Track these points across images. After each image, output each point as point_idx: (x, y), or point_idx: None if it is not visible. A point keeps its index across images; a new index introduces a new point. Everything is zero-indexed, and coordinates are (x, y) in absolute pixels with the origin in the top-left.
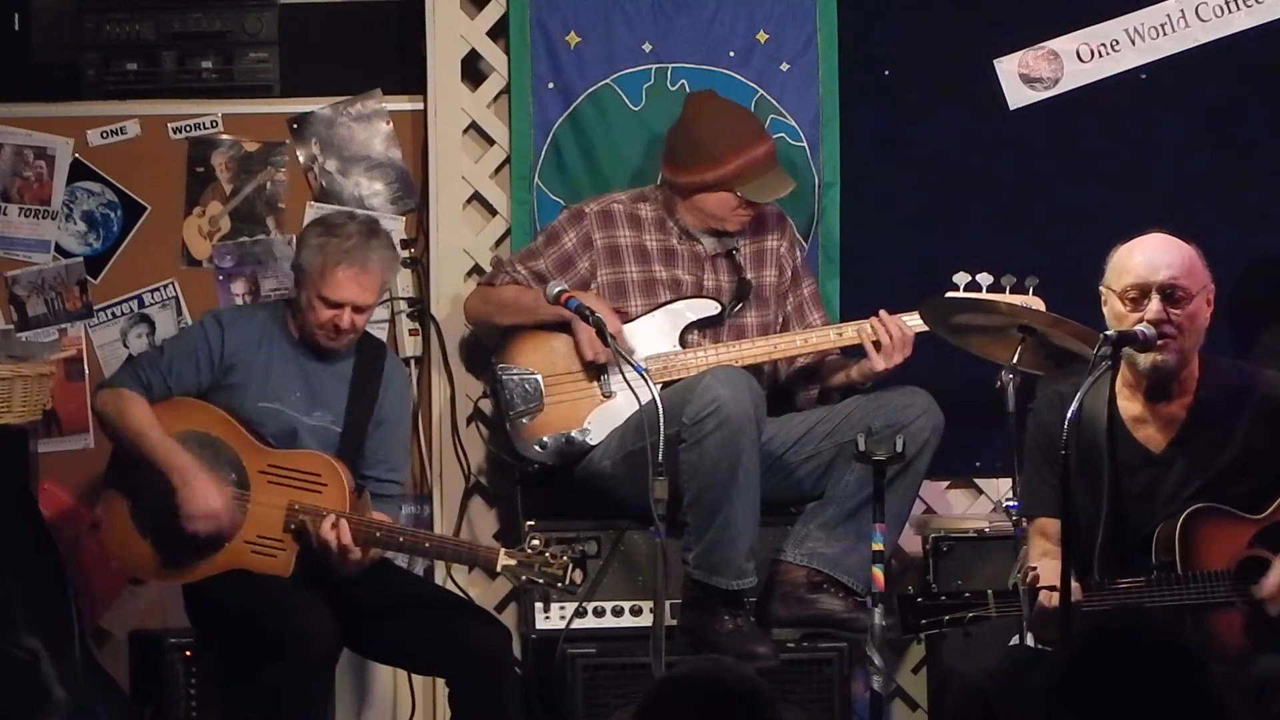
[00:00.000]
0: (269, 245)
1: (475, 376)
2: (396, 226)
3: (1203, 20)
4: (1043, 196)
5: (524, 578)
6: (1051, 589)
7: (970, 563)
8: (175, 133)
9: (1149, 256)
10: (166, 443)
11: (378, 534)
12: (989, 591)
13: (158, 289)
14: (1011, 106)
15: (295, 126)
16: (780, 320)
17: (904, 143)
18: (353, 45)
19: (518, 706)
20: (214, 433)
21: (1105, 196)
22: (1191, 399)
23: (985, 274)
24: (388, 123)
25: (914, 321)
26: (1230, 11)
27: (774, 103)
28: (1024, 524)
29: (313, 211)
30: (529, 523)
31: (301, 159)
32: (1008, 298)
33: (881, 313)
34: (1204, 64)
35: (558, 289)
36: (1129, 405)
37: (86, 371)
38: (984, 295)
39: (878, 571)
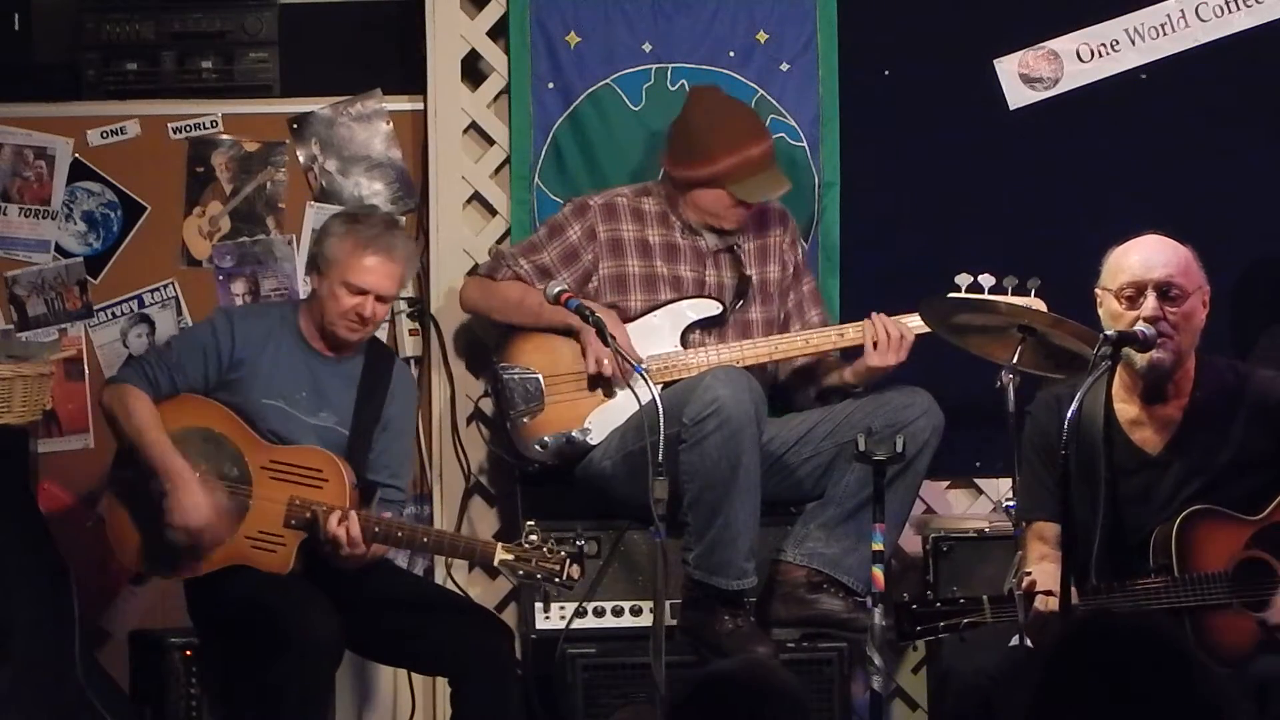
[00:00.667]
0: (269, 245)
1: (475, 376)
2: None
3: (1203, 20)
4: (1042, 196)
5: (521, 572)
6: (1048, 594)
7: (970, 563)
8: (175, 133)
9: (1145, 256)
10: (164, 444)
11: (376, 528)
12: (985, 597)
13: (158, 289)
14: (1011, 106)
15: (295, 126)
16: (783, 317)
17: (904, 142)
18: (353, 45)
19: (519, 706)
20: (217, 428)
21: (1105, 196)
22: (1187, 401)
23: (987, 275)
24: (388, 123)
25: (914, 322)
26: (1230, 11)
27: (774, 103)
28: (1022, 526)
29: (313, 211)
30: (529, 522)
31: (301, 159)
32: (1009, 299)
33: (875, 314)
34: (1204, 64)
35: (557, 289)
36: (1125, 408)
37: (86, 371)
38: (985, 296)
39: (878, 572)
